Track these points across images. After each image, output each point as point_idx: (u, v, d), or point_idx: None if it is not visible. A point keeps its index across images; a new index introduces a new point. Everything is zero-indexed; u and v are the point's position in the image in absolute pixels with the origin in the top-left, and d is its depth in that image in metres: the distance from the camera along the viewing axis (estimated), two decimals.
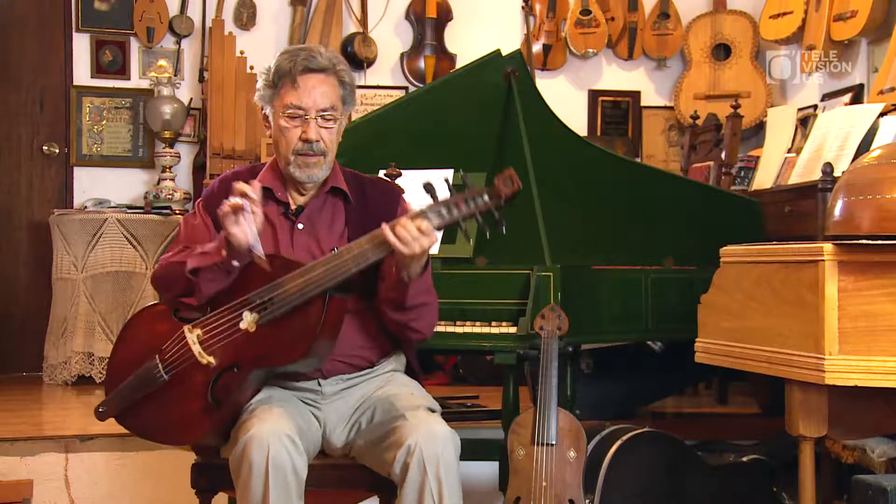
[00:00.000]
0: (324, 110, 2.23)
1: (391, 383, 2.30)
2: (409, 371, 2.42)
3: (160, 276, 2.25)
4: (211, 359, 2.10)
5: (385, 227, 2.04)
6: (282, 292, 2.10)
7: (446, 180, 2.06)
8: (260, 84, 2.30)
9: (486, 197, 2.01)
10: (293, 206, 2.32)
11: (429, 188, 2.02)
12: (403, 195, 2.38)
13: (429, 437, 2.06)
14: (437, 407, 2.28)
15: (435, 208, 2.02)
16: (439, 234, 2.16)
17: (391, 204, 2.32)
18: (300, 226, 2.29)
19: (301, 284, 2.09)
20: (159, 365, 2.12)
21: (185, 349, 2.12)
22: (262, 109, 2.31)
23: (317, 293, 2.09)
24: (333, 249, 2.15)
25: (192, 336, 2.12)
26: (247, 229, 2.07)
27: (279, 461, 2.00)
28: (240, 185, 2.09)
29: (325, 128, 2.24)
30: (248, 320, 2.10)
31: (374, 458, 2.18)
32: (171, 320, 2.17)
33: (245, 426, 2.07)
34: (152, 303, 2.23)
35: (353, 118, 5.55)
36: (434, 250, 2.55)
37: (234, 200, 2.06)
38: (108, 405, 2.19)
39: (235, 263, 2.13)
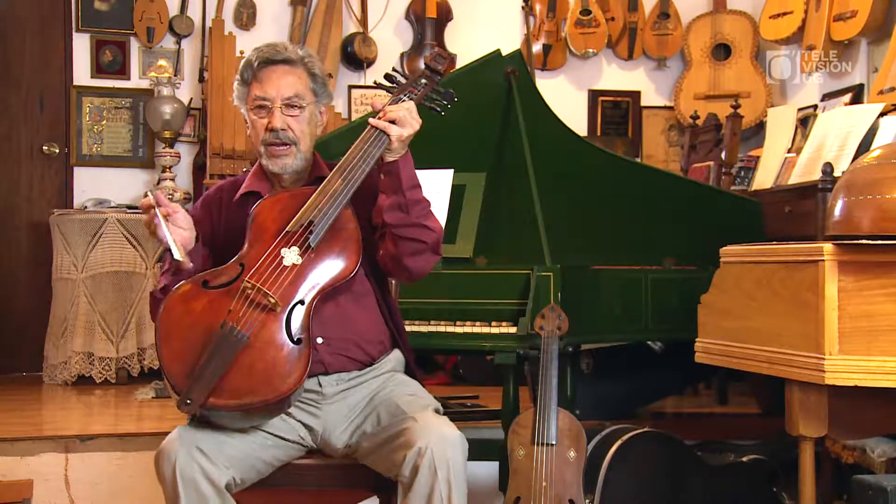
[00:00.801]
0: (288, 98, 2.25)
1: (392, 383, 2.30)
2: (408, 371, 2.41)
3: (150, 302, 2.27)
4: (277, 304, 2.06)
5: (376, 121, 2.16)
6: (317, 212, 2.11)
7: (388, 75, 2.31)
8: (234, 85, 2.32)
9: (425, 80, 2.30)
10: None
11: (388, 77, 2.30)
12: None
13: (440, 440, 2.05)
14: (441, 408, 2.27)
15: (403, 93, 2.25)
16: None
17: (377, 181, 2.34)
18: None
19: (330, 198, 2.13)
20: (235, 326, 2.01)
21: (258, 298, 2.05)
22: (241, 110, 2.34)
23: (345, 203, 2.14)
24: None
25: (252, 291, 2.06)
26: (162, 233, 2.09)
27: (187, 472, 2.01)
28: (145, 200, 2.10)
29: (291, 116, 2.26)
30: (291, 256, 2.10)
31: (379, 459, 2.17)
32: (210, 291, 2.08)
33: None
34: (175, 287, 2.10)
35: (352, 118, 5.58)
36: None
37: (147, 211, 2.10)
38: (194, 392, 1.98)
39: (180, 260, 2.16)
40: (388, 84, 2.30)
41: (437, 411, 2.22)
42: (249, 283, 2.06)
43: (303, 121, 2.27)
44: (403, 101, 2.22)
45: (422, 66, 2.36)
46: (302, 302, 2.09)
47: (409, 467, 2.04)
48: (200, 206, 2.38)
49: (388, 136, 2.15)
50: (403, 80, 2.31)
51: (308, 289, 2.11)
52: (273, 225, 2.14)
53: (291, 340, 2.05)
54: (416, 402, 2.21)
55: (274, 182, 2.33)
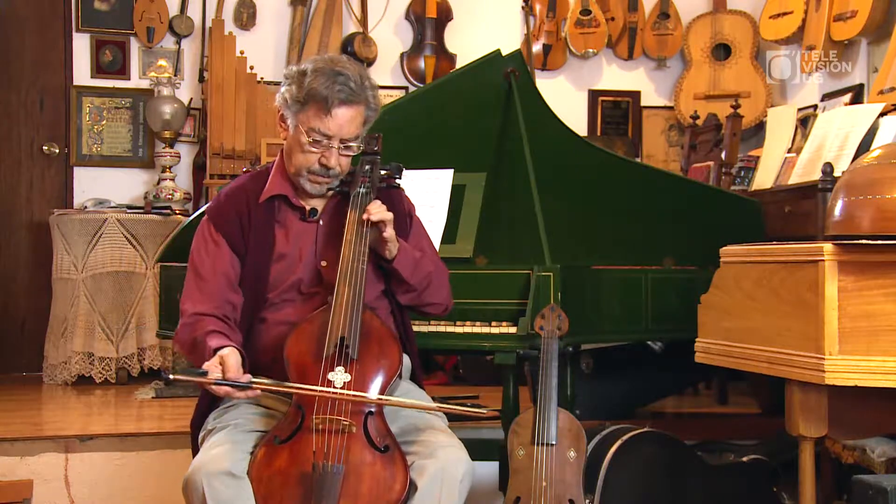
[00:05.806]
0: (346, 140, 2.26)
1: (402, 392, 2.31)
2: (413, 376, 2.45)
3: (178, 337, 2.26)
4: (350, 424, 2.08)
5: (351, 222, 2.25)
6: (343, 327, 2.14)
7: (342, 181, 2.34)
8: (285, 90, 2.26)
9: (368, 165, 2.35)
10: (307, 208, 2.34)
11: (340, 184, 2.33)
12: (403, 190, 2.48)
13: (455, 460, 2.11)
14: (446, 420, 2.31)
15: (359, 187, 2.31)
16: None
17: (398, 193, 2.42)
18: (321, 222, 2.33)
19: (348, 309, 2.15)
20: (326, 463, 2.03)
21: (332, 428, 2.07)
22: (280, 110, 2.30)
23: (362, 307, 2.18)
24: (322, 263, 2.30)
25: (324, 424, 2.08)
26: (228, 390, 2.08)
27: (219, 498, 2.00)
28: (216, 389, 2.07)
29: (345, 155, 2.28)
30: (340, 376, 2.12)
31: None
32: (285, 444, 2.08)
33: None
34: (252, 458, 2.09)
35: None
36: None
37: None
38: None
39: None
40: (339, 189, 2.33)
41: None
42: (318, 418, 2.08)
43: (351, 156, 2.30)
44: (368, 198, 2.28)
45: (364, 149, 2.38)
46: (371, 412, 2.12)
47: (417, 470, 2.08)
48: (224, 199, 2.35)
49: (386, 241, 2.25)
50: (349, 178, 2.33)
51: (370, 397, 2.13)
52: (309, 357, 2.16)
53: (379, 450, 2.08)
54: (435, 420, 2.25)
55: (301, 187, 2.34)
